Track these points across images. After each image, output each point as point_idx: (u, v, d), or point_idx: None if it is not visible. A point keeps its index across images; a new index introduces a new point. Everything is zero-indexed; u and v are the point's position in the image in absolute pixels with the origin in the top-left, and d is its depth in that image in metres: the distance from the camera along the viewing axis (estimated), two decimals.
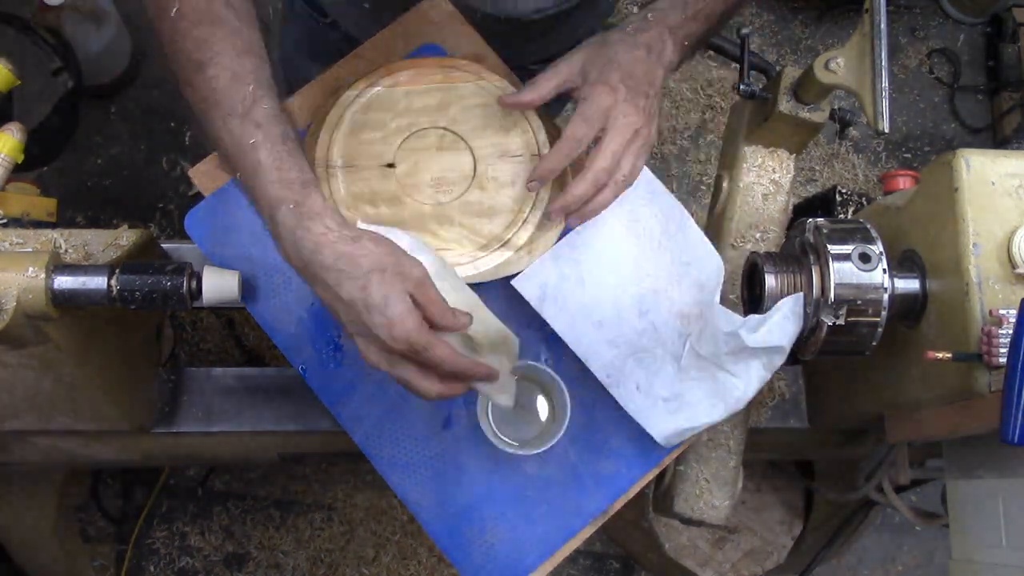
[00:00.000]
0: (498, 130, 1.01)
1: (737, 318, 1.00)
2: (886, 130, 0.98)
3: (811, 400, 1.32)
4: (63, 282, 0.90)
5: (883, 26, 0.98)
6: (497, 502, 0.99)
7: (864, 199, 1.49)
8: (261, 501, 2.02)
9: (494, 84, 1.01)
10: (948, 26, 2.61)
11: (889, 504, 1.24)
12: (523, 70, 1.12)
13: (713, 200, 1.26)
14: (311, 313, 1.01)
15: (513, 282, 1.01)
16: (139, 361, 1.22)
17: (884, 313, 0.95)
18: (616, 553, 2.08)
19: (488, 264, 0.97)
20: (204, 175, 1.03)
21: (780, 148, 1.19)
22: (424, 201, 0.99)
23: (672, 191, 1.16)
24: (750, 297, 1.06)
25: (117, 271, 0.91)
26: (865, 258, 0.95)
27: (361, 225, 0.87)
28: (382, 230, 0.86)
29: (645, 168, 1.06)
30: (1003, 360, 0.84)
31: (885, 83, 0.98)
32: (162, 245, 1.21)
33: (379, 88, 1.02)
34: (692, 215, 1.06)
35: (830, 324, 0.96)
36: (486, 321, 0.88)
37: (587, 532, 1.01)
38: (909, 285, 0.98)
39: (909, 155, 2.50)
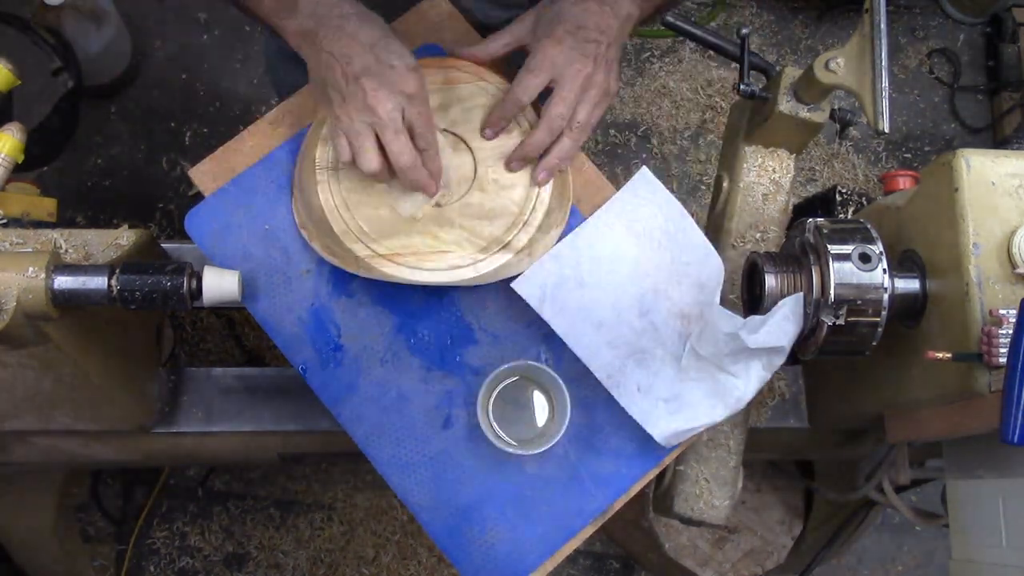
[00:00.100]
0: None
1: (737, 319, 1.00)
2: (886, 130, 0.98)
3: (811, 400, 1.32)
4: (63, 282, 0.90)
5: (883, 26, 0.98)
6: (497, 502, 0.99)
7: (864, 199, 1.49)
8: (261, 501, 2.02)
9: (494, 85, 1.01)
10: (948, 26, 2.61)
11: (889, 504, 1.24)
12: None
13: (713, 200, 1.26)
14: (311, 313, 1.01)
15: (513, 284, 1.01)
16: (139, 361, 1.22)
17: (884, 313, 0.95)
18: (616, 553, 2.08)
19: (488, 266, 0.97)
20: (204, 175, 1.03)
21: (780, 148, 1.19)
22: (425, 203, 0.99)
23: (672, 191, 1.16)
24: (750, 297, 1.06)
25: (117, 271, 0.91)
26: (865, 258, 0.95)
27: None
28: None
29: (645, 168, 1.06)
30: (1003, 360, 0.84)
31: (885, 83, 0.98)
32: (162, 245, 1.21)
33: None
34: (692, 215, 1.06)
35: (830, 324, 0.96)
36: None
37: (587, 532, 1.01)
38: (909, 285, 0.98)
39: (909, 155, 2.50)
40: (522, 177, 0.99)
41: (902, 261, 1.02)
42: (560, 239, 1.03)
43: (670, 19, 1.17)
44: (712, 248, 1.05)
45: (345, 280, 1.02)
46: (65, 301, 0.90)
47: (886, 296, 0.95)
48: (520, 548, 0.99)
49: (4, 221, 1.02)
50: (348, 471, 2.04)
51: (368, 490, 2.04)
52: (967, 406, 0.93)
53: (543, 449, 0.97)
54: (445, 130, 1.01)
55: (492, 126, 0.98)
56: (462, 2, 1.13)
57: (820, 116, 1.11)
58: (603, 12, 0.92)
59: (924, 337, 0.99)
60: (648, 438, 1.00)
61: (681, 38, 2.44)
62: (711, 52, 1.81)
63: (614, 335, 1.02)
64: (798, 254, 1.02)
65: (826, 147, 2.45)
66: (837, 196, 1.49)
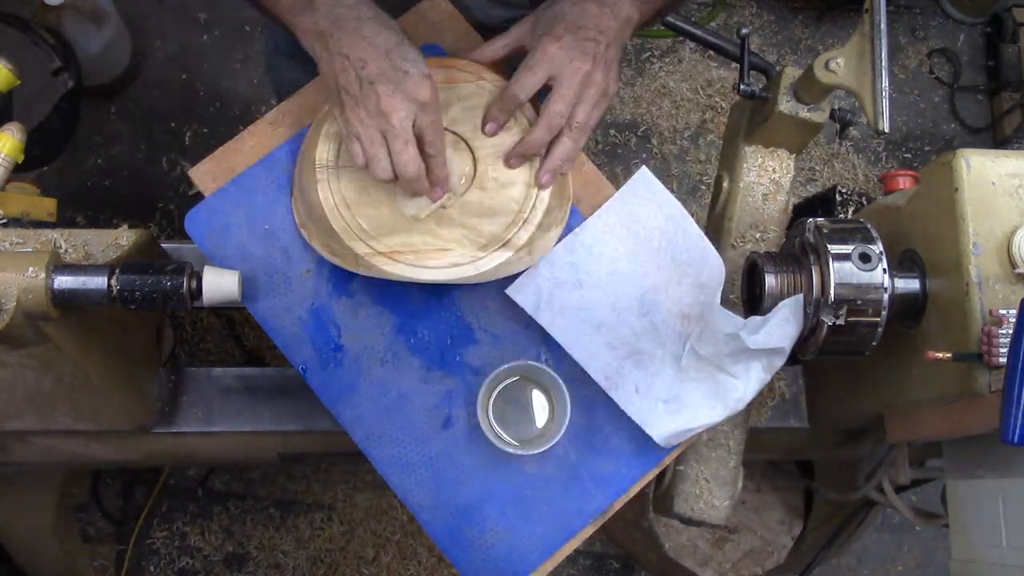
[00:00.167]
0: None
1: (738, 319, 1.00)
2: (886, 130, 0.98)
3: (811, 400, 1.32)
4: (63, 282, 0.90)
5: (883, 26, 0.98)
6: (497, 502, 0.99)
7: (864, 199, 1.49)
8: (261, 501, 2.02)
9: (494, 84, 1.01)
10: (948, 26, 2.61)
11: (889, 504, 1.24)
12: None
13: (713, 200, 1.26)
14: (311, 313, 1.01)
15: (508, 291, 1.01)
16: (139, 361, 1.22)
17: (884, 313, 0.95)
18: (616, 553, 2.08)
19: (488, 264, 0.97)
20: (204, 175, 1.04)
21: (780, 148, 1.19)
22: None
23: (672, 191, 1.16)
24: (750, 297, 1.06)
25: (117, 271, 0.91)
26: (865, 258, 0.95)
27: None
28: None
29: (644, 168, 1.06)
30: (1003, 360, 0.84)
31: (885, 83, 0.98)
32: (162, 245, 1.21)
33: None
34: (692, 215, 1.06)
35: (830, 324, 0.96)
36: None
37: (587, 532, 1.01)
38: (909, 285, 0.98)
39: (909, 155, 2.50)
40: (521, 175, 0.99)
41: (902, 261, 1.02)
42: (560, 239, 1.03)
43: (670, 19, 1.17)
44: (712, 248, 1.05)
45: (345, 280, 1.02)
46: (65, 301, 0.90)
47: (886, 296, 0.95)
48: (520, 548, 0.99)
49: (4, 221, 1.02)
50: (348, 471, 2.04)
51: (368, 490, 2.04)
52: (967, 406, 0.93)
53: (543, 449, 0.97)
54: (445, 129, 1.01)
55: (492, 120, 0.99)
56: (462, 1, 1.13)
57: (820, 116, 1.11)
58: (602, 13, 0.93)
59: (924, 337, 0.99)
60: (648, 438, 1.00)
61: (681, 38, 2.44)
62: (711, 52, 1.81)
63: (613, 336, 1.02)
64: (798, 254, 1.02)
65: (826, 147, 2.45)
66: (837, 196, 1.49)
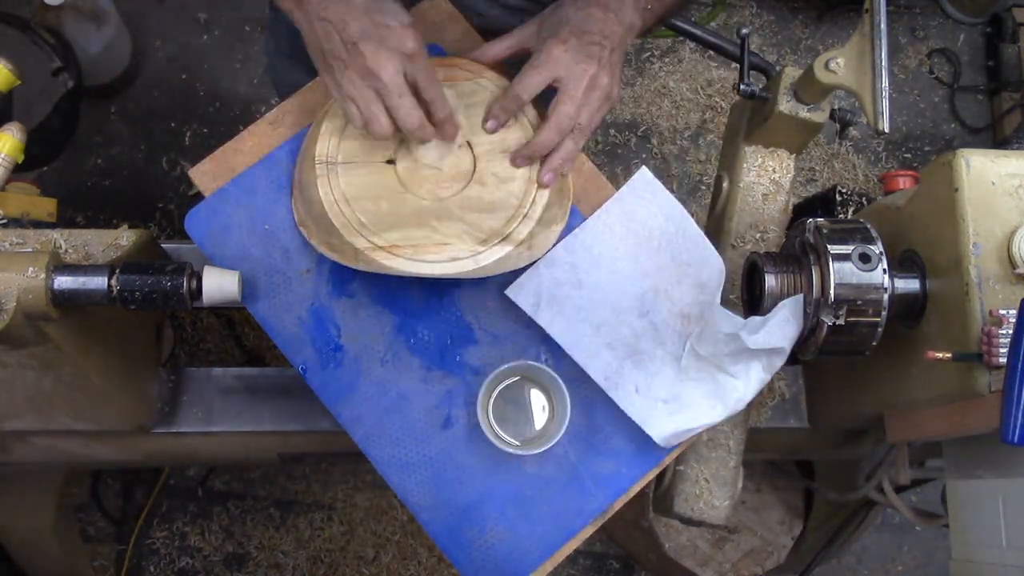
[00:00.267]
0: None
1: (738, 319, 1.00)
2: (886, 130, 0.98)
3: (811, 400, 1.32)
4: (63, 282, 0.90)
5: (883, 26, 0.98)
6: (497, 502, 0.99)
7: (864, 199, 1.49)
8: (261, 501, 2.02)
9: (493, 83, 1.01)
10: (948, 26, 2.61)
11: (889, 504, 1.24)
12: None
13: (713, 200, 1.26)
14: (311, 313, 1.01)
15: (507, 291, 1.01)
16: (139, 361, 1.22)
17: (884, 313, 0.95)
18: (616, 553, 2.08)
19: (488, 259, 0.97)
20: (204, 175, 1.04)
21: (780, 148, 1.19)
22: (424, 197, 0.99)
23: (672, 191, 1.16)
24: (750, 297, 1.06)
25: (117, 271, 0.91)
26: (865, 258, 0.95)
27: None
28: None
29: (644, 168, 1.07)
30: (1003, 360, 0.84)
31: (885, 83, 0.98)
32: (162, 245, 1.21)
33: None
34: (692, 215, 1.06)
35: (830, 324, 0.96)
36: None
37: (587, 532, 1.01)
38: (909, 285, 0.98)
39: (909, 155, 2.50)
40: (521, 171, 1.00)
41: (902, 261, 1.02)
42: (560, 239, 1.03)
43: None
44: (712, 248, 1.05)
45: (345, 280, 1.02)
46: (65, 301, 0.90)
47: (886, 296, 0.95)
48: (520, 548, 0.99)
49: (4, 221, 1.02)
50: (348, 471, 2.04)
51: (368, 490, 2.04)
52: (967, 406, 0.93)
53: (543, 449, 0.97)
54: None
55: (493, 118, 0.99)
56: (462, 1, 1.13)
57: (820, 116, 1.11)
58: (607, 18, 0.93)
59: (924, 337, 0.99)
60: (648, 438, 1.00)
61: (681, 38, 2.44)
62: (711, 52, 1.81)
63: (613, 336, 1.02)
64: (798, 254, 1.02)
65: (826, 147, 2.45)
66: (837, 196, 1.49)
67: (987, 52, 2.58)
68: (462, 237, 0.96)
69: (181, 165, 2.19)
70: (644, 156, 2.38)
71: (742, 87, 1.12)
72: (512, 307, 1.02)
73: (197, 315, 2.02)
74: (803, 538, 1.69)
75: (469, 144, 1.00)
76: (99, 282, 0.91)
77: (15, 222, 1.03)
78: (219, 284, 0.94)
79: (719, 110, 2.42)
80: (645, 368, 1.02)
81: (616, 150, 2.37)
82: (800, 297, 0.98)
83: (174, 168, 2.20)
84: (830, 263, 0.95)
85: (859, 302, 0.95)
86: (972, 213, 0.92)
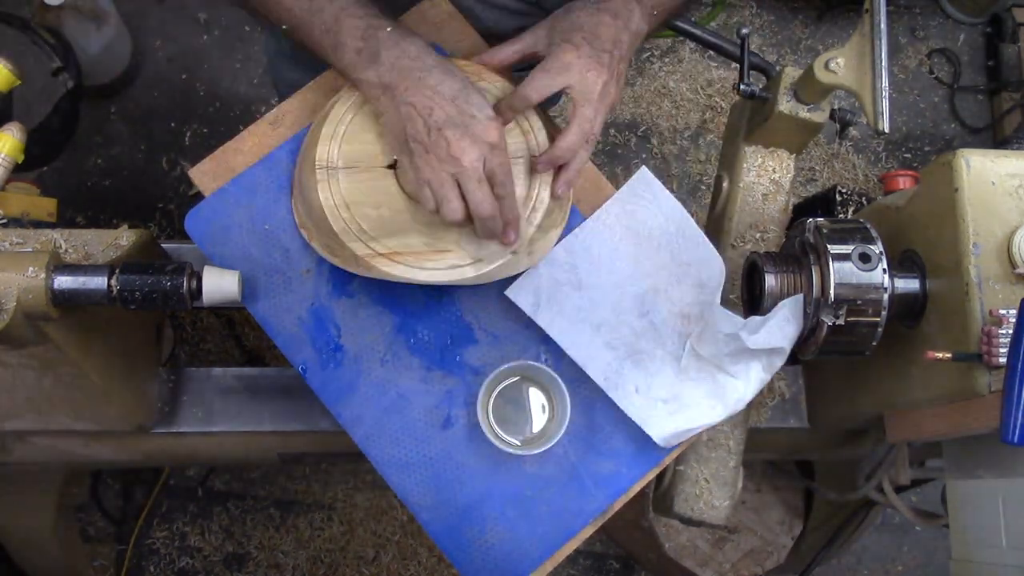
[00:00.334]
0: None
1: (738, 319, 1.00)
2: (886, 130, 0.98)
3: (811, 400, 1.32)
4: (63, 282, 0.90)
5: (883, 26, 0.98)
6: (497, 502, 1.00)
7: (864, 199, 1.49)
8: (261, 501, 2.02)
9: (494, 85, 1.01)
10: (948, 26, 2.61)
11: (889, 504, 1.24)
12: (524, 72, 1.12)
13: (713, 200, 1.26)
14: (311, 313, 1.01)
15: (507, 292, 1.01)
16: (139, 361, 1.22)
17: (884, 313, 0.95)
18: (616, 553, 2.08)
19: (488, 266, 0.97)
20: (204, 175, 1.04)
21: (780, 148, 1.19)
22: None
23: (672, 191, 1.16)
24: (750, 297, 1.06)
25: (117, 271, 0.91)
26: (865, 258, 0.95)
27: None
28: None
29: (644, 168, 1.07)
30: (1003, 360, 0.84)
31: (885, 83, 0.98)
32: (162, 245, 1.21)
33: None
34: (692, 215, 1.06)
35: (830, 324, 0.96)
36: None
37: (587, 532, 1.01)
38: (909, 285, 0.98)
39: (909, 155, 2.50)
40: (521, 177, 0.99)
41: (902, 261, 1.02)
42: (560, 239, 1.03)
43: None
44: (712, 248, 1.05)
45: (345, 280, 1.02)
46: (65, 301, 0.90)
47: (886, 296, 0.95)
48: (520, 548, 0.99)
49: (4, 221, 1.02)
50: (348, 471, 2.04)
51: (368, 490, 2.04)
52: (967, 406, 0.93)
53: (543, 449, 0.97)
54: None
55: (504, 114, 0.98)
56: (461, 4, 1.13)
57: (820, 116, 1.11)
58: (616, 26, 0.93)
59: (924, 337, 0.99)
60: (648, 438, 1.00)
61: (681, 38, 2.44)
62: (711, 52, 1.81)
63: (613, 336, 1.02)
64: (798, 254, 1.02)
65: (826, 147, 2.45)
66: (837, 196, 1.49)
67: (987, 52, 2.58)
68: (462, 244, 0.96)
69: (181, 165, 2.19)
70: (644, 156, 2.38)
71: (742, 87, 1.12)
72: (512, 307, 1.02)
73: (197, 315, 2.02)
74: (803, 538, 1.69)
75: None
76: (99, 282, 0.91)
77: (15, 222, 1.03)
78: (219, 284, 0.94)
79: (719, 110, 2.42)
80: (645, 368, 1.02)
81: (616, 150, 2.37)
82: (800, 297, 0.98)
83: (174, 168, 2.20)
84: (830, 263, 0.95)
85: (859, 302, 0.95)
86: (972, 213, 0.92)
